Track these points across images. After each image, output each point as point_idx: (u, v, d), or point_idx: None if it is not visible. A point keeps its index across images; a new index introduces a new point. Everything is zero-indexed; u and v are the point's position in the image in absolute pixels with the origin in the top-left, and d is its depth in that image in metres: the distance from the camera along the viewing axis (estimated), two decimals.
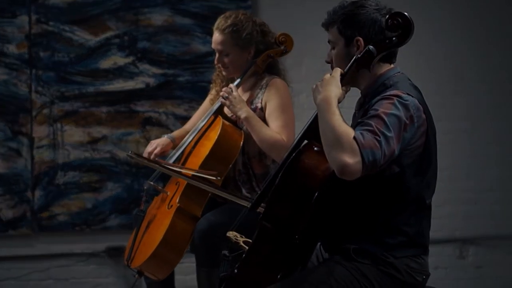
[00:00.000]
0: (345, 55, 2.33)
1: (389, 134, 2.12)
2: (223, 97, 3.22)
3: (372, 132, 2.11)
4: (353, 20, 2.30)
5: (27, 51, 4.63)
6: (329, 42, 2.39)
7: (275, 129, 3.17)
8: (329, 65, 2.41)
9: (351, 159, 2.05)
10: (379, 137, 2.10)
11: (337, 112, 2.14)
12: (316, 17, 5.06)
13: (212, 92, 3.49)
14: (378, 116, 2.15)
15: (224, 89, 3.24)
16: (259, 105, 3.25)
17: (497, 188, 5.14)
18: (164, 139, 3.43)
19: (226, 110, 3.34)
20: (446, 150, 4.96)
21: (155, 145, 3.38)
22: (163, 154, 3.47)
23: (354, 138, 2.08)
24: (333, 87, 2.19)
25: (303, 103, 4.75)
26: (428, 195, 2.33)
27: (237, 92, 3.21)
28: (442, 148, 4.70)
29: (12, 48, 4.63)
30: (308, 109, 4.89)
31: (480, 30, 5.14)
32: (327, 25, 2.38)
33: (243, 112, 3.17)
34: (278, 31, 3.39)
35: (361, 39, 2.29)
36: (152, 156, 3.34)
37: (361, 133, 2.10)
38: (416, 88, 2.33)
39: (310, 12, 4.84)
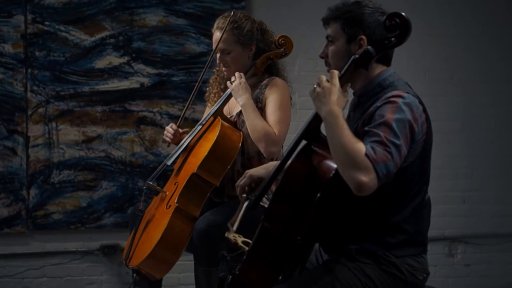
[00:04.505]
0: (345, 52, 2.33)
1: (398, 142, 2.15)
2: (231, 81, 3.24)
3: (382, 143, 2.13)
4: (358, 19, 2.31)
5: (22, 50, 4.65)
6: (327, 37, 2.38)
7: (269, 123, 3.18)
8: (324, 61, 2.40)
9: (366, 177, 2.08)
10: (390, 148, 2.13)
11: (345, 126, 2.15)
12: (310, 18, 5.08)
13: (210, 96, 3.51)
14: (385, 124, 2.17)
15: (236, 73, 3.25)
16: (259, 105, 3.25)
17: (485, 188, 5.20)
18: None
19: (225, 111, 3.37)
20: (435, 149, 4.99)
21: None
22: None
23: (366, 155, 2.10)
24: (337, 97, 2.18)
25: (295, 103, 4.74)
26: (426, 190, 2.37)
27: (244, 79, 3.21)
28: (432, 147, 4.79)
29: (7, 48, 4.64)
30: (300, 109, 4.94)
31: (472, 30, 5.18)
32: (328, 20, 2.37)
33: (242, 99, 3.18)
34: (273, 31, 3.40)
35: (364, 38, 2.30)
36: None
37: (372, 148, 2.12)
38: (410, 87, 2.36)
39: (303, 13, 4.87)
